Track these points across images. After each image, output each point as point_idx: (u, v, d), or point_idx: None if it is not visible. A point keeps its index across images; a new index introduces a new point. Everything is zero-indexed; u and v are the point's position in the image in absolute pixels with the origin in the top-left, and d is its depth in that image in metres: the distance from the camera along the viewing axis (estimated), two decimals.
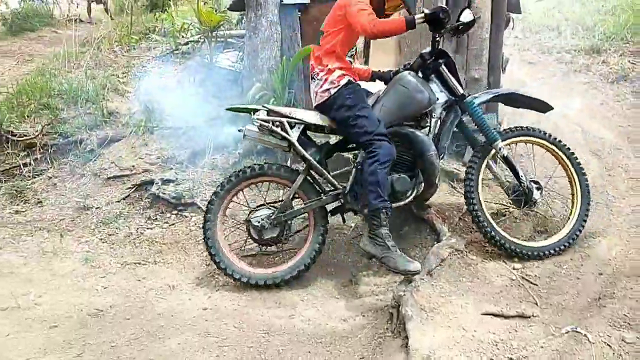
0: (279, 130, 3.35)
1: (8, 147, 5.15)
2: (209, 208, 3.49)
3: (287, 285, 3.45)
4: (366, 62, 5.09)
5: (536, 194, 3.42)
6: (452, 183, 4.23)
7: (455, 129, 3.52)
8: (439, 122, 3.42)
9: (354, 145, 3.52)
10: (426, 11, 3.08)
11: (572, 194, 3.57)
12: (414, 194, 3.39)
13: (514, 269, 3.27)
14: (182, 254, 3.95)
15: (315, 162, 3.40)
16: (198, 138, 4.95)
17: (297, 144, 3.36)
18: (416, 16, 3.05)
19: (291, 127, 3.39)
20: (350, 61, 3.47)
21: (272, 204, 3.57)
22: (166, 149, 4.99)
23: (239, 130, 3.53)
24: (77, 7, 10.89)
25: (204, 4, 7.24)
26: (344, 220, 3.62)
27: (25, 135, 5.17)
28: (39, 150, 5.09)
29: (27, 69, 7.01)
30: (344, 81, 3.27)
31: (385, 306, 3.04)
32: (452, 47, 4.55)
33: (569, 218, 3.53)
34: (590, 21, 7.24)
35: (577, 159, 3.56)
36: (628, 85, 5.75)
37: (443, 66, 3.39)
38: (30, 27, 9.39)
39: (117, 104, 5.75)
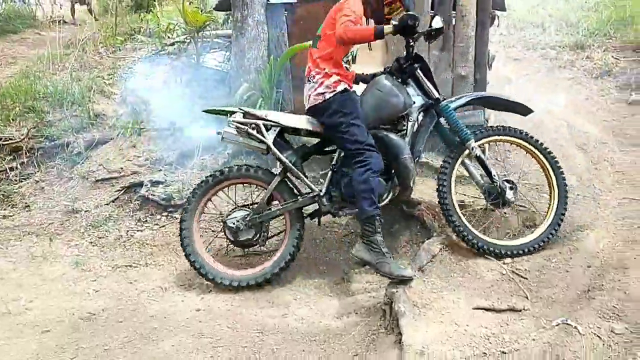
0: (255, 132, 3.36)
1: None
2: (184, 213, 3.50)
3: (280, 285, 3.46)
4: (353, 61, 5.10)
5: (509, 194, 3.44)
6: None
7: (433, 131, 3.56)
8: (415, 126, 3.45)
9: (331, 148, 3.54)
10: (394, 22, 3.11)
11: (550, 192, 3.59)
12: (389, 197, 3.41)
13: (504, 263, 3.30)
14: (174, 255, 3.93)
15: (291, 165, 3.41)
16: (186, 139, 4.93)
17: (273, 146, 3.37)
18: (385, 26, 3.08)
19: (267, 130, 3.40)
20: (346, 67, 3.46)
21: (248, 206, 3.57)
22: (154, 151, 4.96)
23: (218, 133, 3.53)
24: (61, 8, 10.76)
25: (189, 3, 7.19)
26: (319, 223, 3.63)
27: (11, 139, 5.10)
28: (25, 154, 5.03)
29: (10, 71, 6.91)
30: (340, 87, 3.28)
31: (377, 303, 3.06)
32: (439, 45, 4.59)
33: (545, 217, 3.55)
34: (574, 17, 7.33)
35: (554, 156, 3.57)
36: (612, 80, 5.84)
37: (418, 70, 3.42)
38: (12, 29, 9.25)
39: (104, 106, 5.70)
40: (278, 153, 3.39)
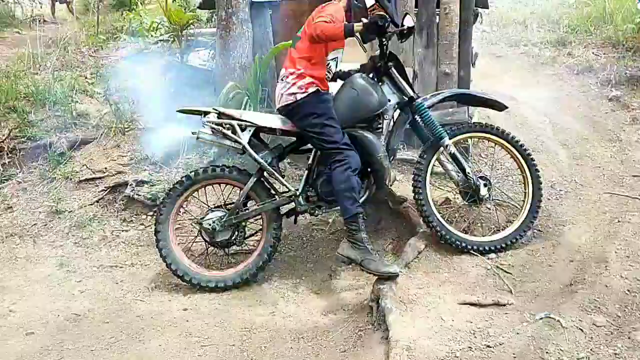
0: (229, 133, 3.34)
1: None
2: (159, 215, 3.47)
3: (267, 283, 3.47)
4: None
5: (483, 190, 3.47)
6: None
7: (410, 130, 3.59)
8: (391, 124, 3.46)
9: (307, 147, 3.53)
10: (364, 20, 3.11)
11: (524, 188, 3.61)
12: (366, 195, 3.42)
13: (488, 259, 3.34)
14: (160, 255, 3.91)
15: (266, 165, 3.39)
16: (171, 138, 4.90)
17: (248, 146, 3.34)
18: (355, 24, 3.07)
19: (242, 130, 3.37)
20: (327, 72, 3.42)
21: (224, 206, 3.54)
22: (139, 150, 4.92)
23: (193, 133, 3.49)
24: (41, 7, 10.62)
25: (173, 1, 7.15)
26: (295, 222, 3.64)
27: None
28: (7, 154, 4.95)
29: None
30: (312, 89, 3.26)
31: (365, 300, 3.08)
32: (423, 42, 4.62)
33: (519, 213, 3.57)
34: (555, 14, 7.44)
35: (529, 152, 3.59)
36: (592, 76, 5.93)
37: (393, 68, 3.43)
38: None
39: (87, 106, 5.64)
40: (253, 153, 3.36)
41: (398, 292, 2.93)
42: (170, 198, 3.48)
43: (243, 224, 3.53)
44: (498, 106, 3.63)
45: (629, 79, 5.65)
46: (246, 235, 3.60)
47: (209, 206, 3.61)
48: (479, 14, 5.49)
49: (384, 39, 3.31)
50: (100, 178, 4.68)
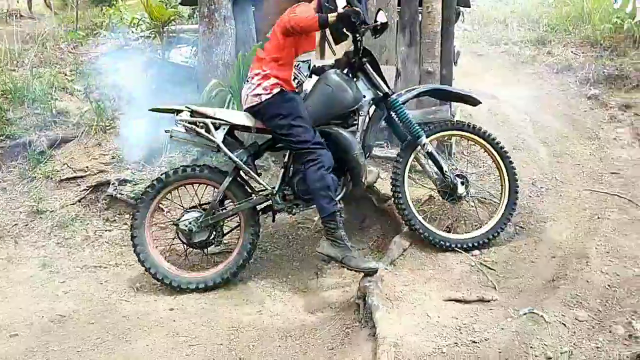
0: (203, 132, 3.31)
1: None
2: (135, 216, 3.44)
3: (253, 282, 3.47)
4: (322, 54, 5.12)
5: (461, 188, 3.51)
6: (409, 174, 4.32)
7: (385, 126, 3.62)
8: (366, 120, 3.45)
9: (282, 145, 3.50)
10: (340, 10, 3.11)
11: (501, 184, 3.66)
12: (342, 193, 3.42)
13: (472, 255, 3.39)
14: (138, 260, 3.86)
15: (242, 163, 3.35)
16: (154, 136, 4.85)
17: (222, 145, 3.31)
18: (329, 15, 3.06)
19: (216, 128, 3.33)
20: (295, 74, 3.35)
21: (200, 207, 3.51)
22: (121, 149, 4.86)
23: (166, 131, 3.45)
24: (17, 1, 10.40)
25: None
26: (273, 220, 3.64)
27: None
28: None
29: None
30: (276, 90, 3.23)
31: (351, 297, 3.10)
32: (406, 41, 4.65)
33: (496, 210, 3.62)
34: (535, 13, 7.54)
35: (505, 150, 3.63)
36: (571, 75, 6.03)
37: (367, 64, 3.43)
38: None
39: (67, 103, 5.55)
40: (228, 152, 3.33)
41: (384, 289, 2.95)
42: (144, 202, 3.43)
43: (220, 223, 3.50)
44: (473, 101, 3.66)
45: (607, 78, 5.76)
46: (224, 234, 3.57)
47: (184, 207, 3.57)
48: (461, 13, 5.56)
49: (357, 35, 3.29)
50: (81, 177, 4.62)
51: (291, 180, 3.42)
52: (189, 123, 3.31)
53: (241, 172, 3.44)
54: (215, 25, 4.91)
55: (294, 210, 3.47)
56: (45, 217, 4.29)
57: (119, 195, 4.36)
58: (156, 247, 3.53)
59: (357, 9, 3.07)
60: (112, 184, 4.44)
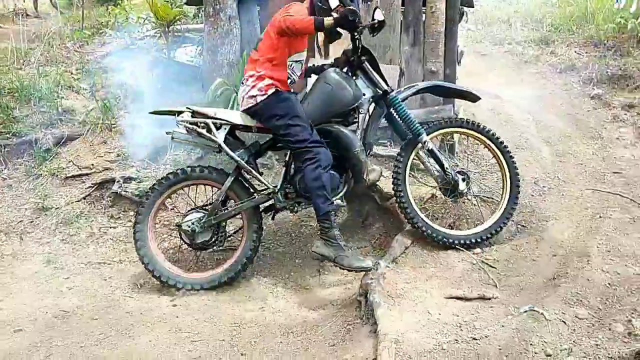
0: (204, 132, 3.30)
1: None
2: (137, 218, 3.42)
3: (256, 279, 3.49)
4: (326, 55, 5.14)
5: (462, 185, 3.51)
6: (412, 173, 4.34)
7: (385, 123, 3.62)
8: (366, 118, 3.46)
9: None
10: (335, 15, 3.11)
11: (502, 181, 3.66)
12: (344, 190, 3.43)
13: (474, 253, 3.40)
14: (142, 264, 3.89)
15: (243, 163, 3.36)
16: (158, 134, 4.88)
17: (224, 145, 3.30)
18: (325, 18, 3.06)
19: (217, 128, 3.33)
20: (289, 73, 3.37)
21: (202, 207, 3.51)
22: (126, 147, 4.90)
23: (167, 133, 3.45)
24: (24, 0, 10.48)
25: None
26: (272, 218, 3.66)
27: None
28: None
29: None
30: (271, 91, 3.24)
31: (353, 295, 3.11)
32: (410, 40, 4.67)
33: (497, 207, 3.62)
34: (539, 13, 7.55)
35: (506, 146, 3.63)
36: (575, 74, 6.04)
37: (366, 62, 3.43)
38: None
39: (72, 102, 5.60)
40: (230, 152, 3.33)
41: (386, 286, 2.97)
42: (145, 207, 3.42)
43: (223, 224, 3.49)
44: (472, 97, 3.67)
45: (610, 78, 5.77)
46: (226, 235, 3.57)
47: (176, 209, 3.55)
48: (465, 13, 5.58)
49: (355, 34, 3.29)
50: (87, 174, 4.66)
51: (293, 179, 3.43)
52: (190, 123, 3.31)
53: (243, 172, 3.45)
54: (220, 25, 4.94)
55: (296, 208, 3.47)
56: (51, 214, 4.33)
57: (123, 193, 4.39)
58: (159, 247, 3.53)
59: (352, 8, 3.08)
60: (117, 181, 4.47)
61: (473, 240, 3.46)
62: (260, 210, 3.54)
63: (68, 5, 9.80)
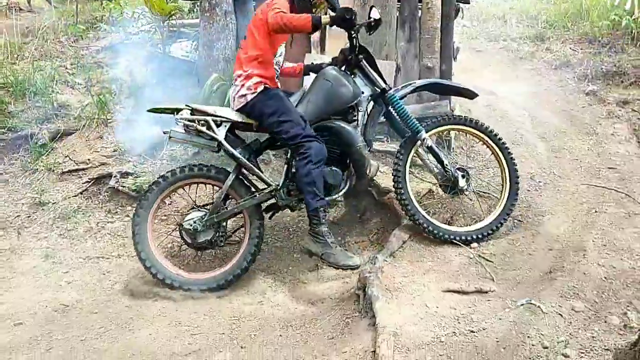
0: (204, 129, 3.27)
1: None
2: (136, 218, 3.36)
3: (255, 273, 3.50)
4: (322, 50, 5.15)
5: (462, 182, 3.54)
6: (410, 169, 4.36)
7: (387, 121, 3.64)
8: (366, 116, 3.48)
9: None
10: (331, 14, 3.13)
11: (502, 178, 3.69)
12: (347, 187, 3.45)
13: (471, 248, 3.43)
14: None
15: (245, 160, 3.34)
16: (155, 129, 4.88)
17: (225, 142, 3.29)
18: (322, 17, 3.07)
19: (217, 126, 3.30)
20: (275, 69, 3.40)
21: (203, 206, 3.48)
22: (122, 142, 4.89)
23: (164, 132, 3.39)
24: None
25: None
26: (270, 217, 3.64)
27: None
28: None
29: None
30: (260, 88, 3.25)
31: (351, 288, 3.14)
32: (406, 36, 4.69)
33: (497, 204, 3.65)
34: (534, 10, 7.58)
35: (504, 143, 3.66)
36: (570, 71, 6.08)
37: (363, 61, 3.45)
38: None
39: (68, 97, 5.57)
40: (231, 149, 3.31)
41: (384, 280, 2.99)
42: (143, 207, 3.37)
43: (224, 223, 3.46)
44: (470, 94, 3.69)
45: (605, 74, 5.81)
46: (227, 234, 3.54)
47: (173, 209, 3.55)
48: (460, 9, 5.58)
49: (352, 32, 3.30)
50: (83, 169, 4.65)
51: (294, 176, 3.41)
52: (190, 121, 3.28)
53: (243, 170, 3.43)
54: (216, 20, 4.94)
55: (298, 206, 3.45)
56: (48, 208, 4.33)
57: (120, 188, 4.39)
58: (158, 247, 3.50)
59: (349, 6, 3.11)
60: (114, 176, 4.47)
61: (474, 237, 3.48)
62: (262, 209, 3.51)
63: None
